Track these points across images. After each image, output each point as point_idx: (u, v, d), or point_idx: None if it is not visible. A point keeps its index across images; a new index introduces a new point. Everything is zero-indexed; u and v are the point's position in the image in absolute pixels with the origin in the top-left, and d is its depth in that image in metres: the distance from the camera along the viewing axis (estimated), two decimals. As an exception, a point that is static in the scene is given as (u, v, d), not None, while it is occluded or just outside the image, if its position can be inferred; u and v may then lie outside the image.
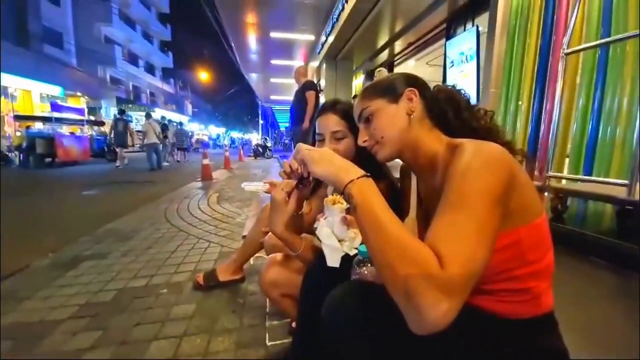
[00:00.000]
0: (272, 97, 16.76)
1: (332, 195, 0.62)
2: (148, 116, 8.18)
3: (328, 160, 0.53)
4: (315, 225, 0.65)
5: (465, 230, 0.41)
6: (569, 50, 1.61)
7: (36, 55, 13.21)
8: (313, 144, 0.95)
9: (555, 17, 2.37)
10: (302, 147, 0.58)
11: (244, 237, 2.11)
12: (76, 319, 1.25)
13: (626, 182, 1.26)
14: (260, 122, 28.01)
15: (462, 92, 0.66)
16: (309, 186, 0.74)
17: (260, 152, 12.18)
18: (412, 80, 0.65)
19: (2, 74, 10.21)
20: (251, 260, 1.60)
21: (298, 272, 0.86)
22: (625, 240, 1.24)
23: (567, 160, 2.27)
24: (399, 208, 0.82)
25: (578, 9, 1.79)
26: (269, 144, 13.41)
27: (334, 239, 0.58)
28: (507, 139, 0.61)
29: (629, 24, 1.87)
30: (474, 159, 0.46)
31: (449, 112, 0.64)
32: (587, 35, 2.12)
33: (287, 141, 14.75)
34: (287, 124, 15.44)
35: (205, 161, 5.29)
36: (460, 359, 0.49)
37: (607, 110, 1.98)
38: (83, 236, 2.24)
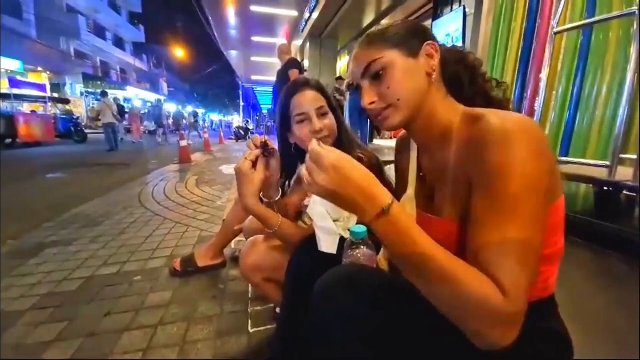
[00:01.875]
0: (254, 78, 16.18)
1: None
2: (104, 94, 7.69)
3: (342, 196, 0.41)
4: (305, 203, 0.59)
5: (522, 251, 0.38)
6: (558, 29, 1.59)
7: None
8: (286, 129, 0.85)
9: (541, 1, 2.36)
10: (306, 174, 0.43)
11: (224, 220, 2.03)
12: (38, 310, 1.14)
13: (607, 163, 1.28)
14: (242, 104, 27.11)
15: (473, 55, 0.57)
16: (274, 154, 0.73)
17: (241, 134, 11.83)
18: (429, 33, 0.53)
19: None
20: (232, 244, 1.53)
21: (281, 254, 0.81)
22: (603, 220, 1.27)
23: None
24: (387, 185, 0.77)
25: (564, -7, 1.76)
26: (250, 127, 13.05)
27: (330, 220, 0.51)
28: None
29: (614, 7, 1.87)
30: (517, 144, 0.39)
31: (463, 76, 0.55)
32: (571, 20, 2.12)
33: (269, 124, 14.39)
34: (270, 106, 15.01)
35: (183, 143, 5.03)
36: (464, 345, 0.45)
37: (587, 95, 2.01)
38: (47, 222, 2.07)
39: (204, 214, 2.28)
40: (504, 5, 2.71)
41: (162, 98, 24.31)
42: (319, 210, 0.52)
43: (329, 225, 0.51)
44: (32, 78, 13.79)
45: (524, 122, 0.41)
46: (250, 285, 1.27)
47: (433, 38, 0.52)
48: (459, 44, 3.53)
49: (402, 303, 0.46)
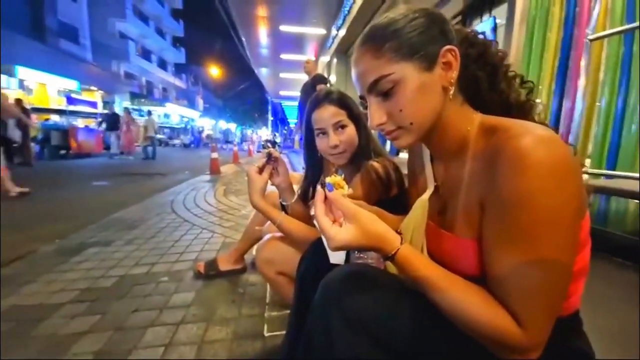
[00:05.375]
0: (282, 93, 16.76)
1: (333, 176, 0.55)
2: (149, 113, 9.89)
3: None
4: (312, 212, 0.60)
5: (542, 283, 0.36)
6: (592, 37, 1.51)
7: (52, 50, 13.49)
8: (311, 140, 0.91)
9: (577, 9, 2.25)
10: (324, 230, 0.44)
11: (247, 228, 2.08)
12: (76, 303, 1.24)
13: (657, 177, 1.17)
14: (270, 118, 28.10)
15: (494, 45, 0.49)
16: (278, 162, 0.88)
17: (269, 147, 12.23)
18: (448, 33, 0.45)
19: (19, 67, 10.50)
20: (253, 250, 1.57)
21: (293, 249, 0.86)
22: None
23: (588, 160, 2.16)
24: (404, 191, 0.76)
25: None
26: (278, 140, 13.45)
27: None
28: (541, 119, 0.49)
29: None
30: (535, 169, 0.35)
31: (483, 80, 0.48)
32: (611, 27, 2.00)
33: (296, 137, 14.72)
34: (297, 121, 15.37)
35: (214, 155, 5.30)
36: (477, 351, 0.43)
37: (632, 107, 1.86)
38: (90, 224, 2.26)
39: (229, 222, 2.36)
40: (537, 15, 2.61)
41: (198, 114, 25.90)
42: None
43: None
44: (86, 96, 15.34)
45: (544, 139, 0.36)
46: (268, 291, 1.30)
47: (452, 39, 0.45)
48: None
49: (408, 303, 0.45)
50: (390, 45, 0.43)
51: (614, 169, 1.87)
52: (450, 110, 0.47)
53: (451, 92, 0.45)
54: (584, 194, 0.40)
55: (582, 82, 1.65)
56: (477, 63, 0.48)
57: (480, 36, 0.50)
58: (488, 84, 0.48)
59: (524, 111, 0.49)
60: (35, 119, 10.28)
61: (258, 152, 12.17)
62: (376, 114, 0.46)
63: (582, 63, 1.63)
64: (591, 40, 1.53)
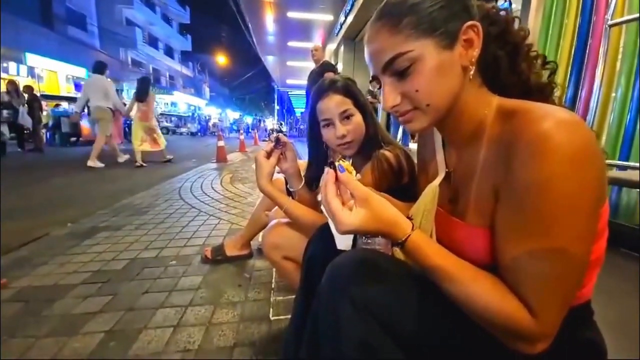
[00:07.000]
0: (289, 82, 16.60)
1: (341, 161, 0.54)
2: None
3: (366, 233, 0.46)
4: (319, 198, 0.60)
5: (555, 272, 0.35)
6: (612, 22, 1.45)
7: (61, 37, 13.52)
8: (317, 131, 0.89)
9: (596, -5, 2.15)
10: (332, 213, 0.43)
11: (253, 215, 2.11)
12: (88, 284, 1.28)
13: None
14: (276, 107, 27.96)
15: (518, 23, 0.46)
16: (286, 147, 0.85)
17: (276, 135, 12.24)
18: (469, 4, 0.42)
19: (29, 54, 10.55)
20: (259, 237, 1.59)
21: (299, 235, 0.86)
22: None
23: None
24: (415, 179, 0.76)
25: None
26: (284, 129, 13.43)
27: None
28: (559, 101, 0.47)
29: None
30: (555, 155, 0.33)
31: (503, 60, 0.45)
32: (629, 13, 1.92)
33: (302, 127, 14.65)
34: (303, 110, 15.30)
35: (220, 143, 5.31)
36: (497, 351, 0.42)
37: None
38: (101, 209, 2.31)
39: (236, 209, 2.39)
40: (554, 1, 2.51)
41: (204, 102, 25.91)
42: None
43: None
44: (95, 84, 15.42)
45: (567, 123, 0.34)
46: (274, 276, 1.32)
47: (475, 14, 0.42)
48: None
49: (416, 290, 0.45)
50: (408, 21, 0.40)
51: (627, 161, 1.83)
52: (468, 92, 0.44)
53: (471, 72, 0.43)
54: (605, 181, 0.38)
55: (599, 70, 1.59)
56: (497, 42, 0.45)
57: (502, 12, 0.47)
58: (508, 64, 0.45)
59: (544, 94, 0.47)
60: (45, 106, 10.44)
61: (263, 141, 12.18)
62: (390, 96, 0.44)
63: (601, 50, 1.56)
64: (610, 26, 1.46)
